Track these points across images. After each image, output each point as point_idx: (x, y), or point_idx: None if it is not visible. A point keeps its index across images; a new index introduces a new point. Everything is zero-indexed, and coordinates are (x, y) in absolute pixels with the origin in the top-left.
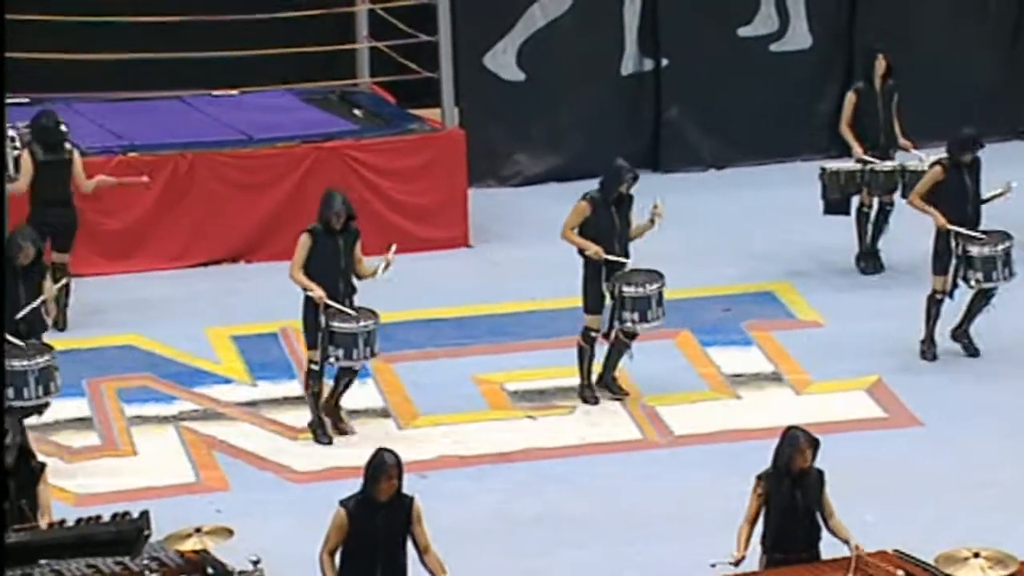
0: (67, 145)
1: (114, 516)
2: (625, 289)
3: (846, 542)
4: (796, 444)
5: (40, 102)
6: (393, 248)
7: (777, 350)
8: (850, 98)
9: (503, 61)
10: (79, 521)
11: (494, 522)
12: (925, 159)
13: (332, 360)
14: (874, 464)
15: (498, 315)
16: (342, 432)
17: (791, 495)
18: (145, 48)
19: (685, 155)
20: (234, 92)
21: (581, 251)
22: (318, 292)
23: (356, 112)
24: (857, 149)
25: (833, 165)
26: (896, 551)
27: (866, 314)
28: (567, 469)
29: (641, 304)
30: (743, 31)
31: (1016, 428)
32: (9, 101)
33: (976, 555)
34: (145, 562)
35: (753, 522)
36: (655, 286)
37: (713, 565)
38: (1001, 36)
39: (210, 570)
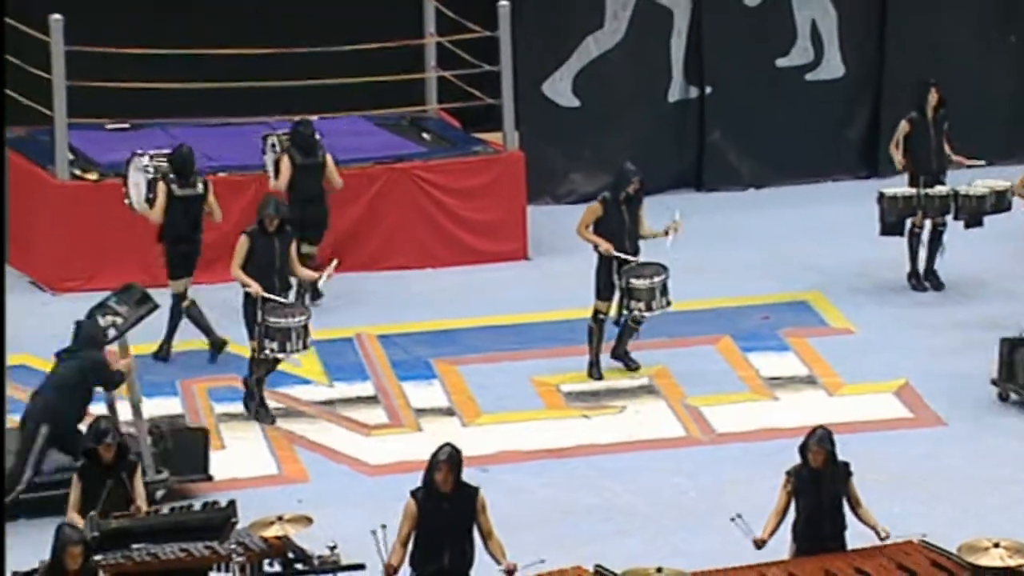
0: (321, 150)
1: (204, 505)
2: (633, 281)
3: (874, 528)
4: (807, 444)
5: (140, 127)
6: (335, 263)
7: (811, 355)
8: (903, 126)
9: (559, 89)
10: (173, 509)
11: (551, 512)
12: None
13: (267, 352)
14: (900, 460)
15: (554, 322)
16: None
17: (816, 490)
18: (234, 78)
19: (726, 175)
20: (314, 118)
21: (595, 246)
22: (255, 287)
23: (425, 136)
24: (899, 162)
25: (891, 191)
26: (922, 540)
27: (894, 323)
28: (618, 464)
29: (647, 294)
30: (781, 62)
31: None
32: (113, 126)
33: (996, 545)
34: (232, 546)
35: (781, 514)
36: (660, 278)
37: (733, 519)
38: (1021, 66)
39: (291, 555)
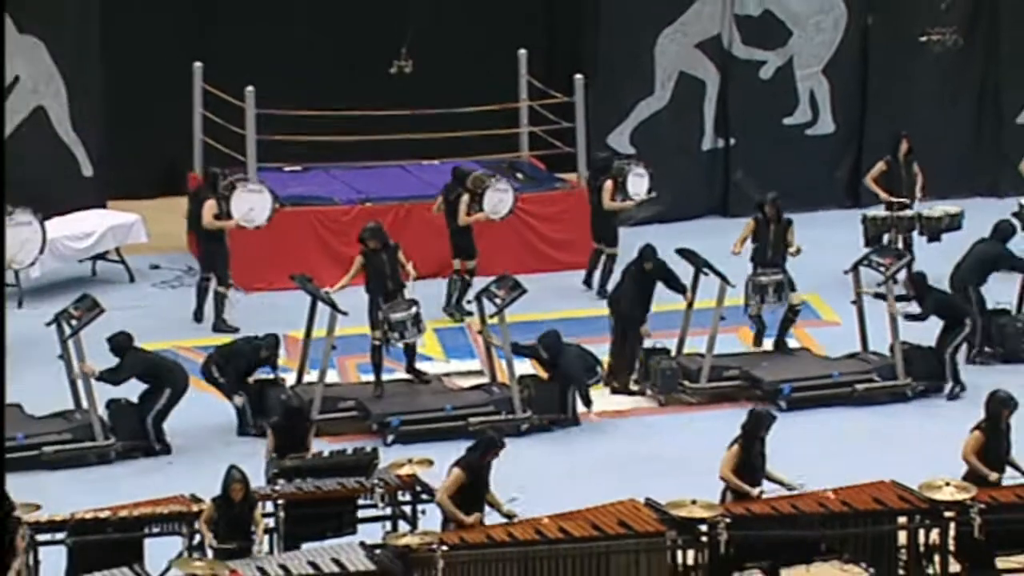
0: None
1: (355, 450)
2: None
3: (780, 483)
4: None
5: (308, 169)
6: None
7: (808, 340)
8: (880, 166)
9: (620, 140)
10: (332, 453)
11: (608, 460)
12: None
13: (393, 340)
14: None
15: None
16: None
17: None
18: (379, 132)
19: (747, 205)
20: (436, 162)
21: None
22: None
23: (519, 175)
24: (883, 195)
25: (871, 213)
26: (892, 480)
27: (870, 316)
28: (657, 422)
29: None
30: (787, 120)
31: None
32: (289, 168)
33: (948, 484)
34: (375, 481)
35: (735, 471)
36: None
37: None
38: (969, 123)
39: (417, 488)
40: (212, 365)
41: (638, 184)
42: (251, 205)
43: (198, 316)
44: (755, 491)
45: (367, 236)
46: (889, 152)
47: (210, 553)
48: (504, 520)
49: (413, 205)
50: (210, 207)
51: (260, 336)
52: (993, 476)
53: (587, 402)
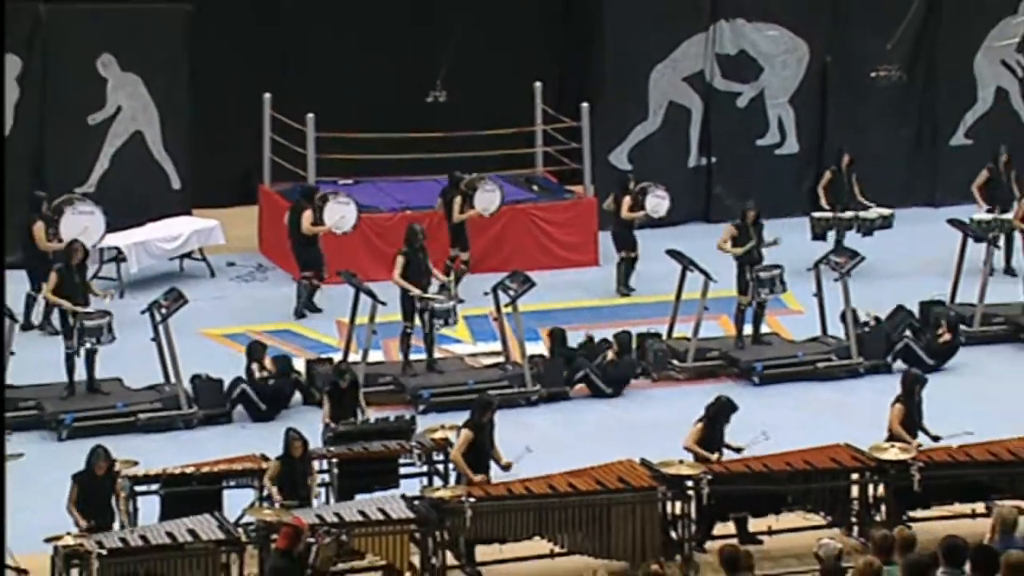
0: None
1: (397, 417)
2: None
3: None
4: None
5: (359, 182)
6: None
7: (776, 324)
8: (827, 175)
9: (620, 159)
10: (376, 420)
11: (608, 426)
12: (874, 209)
13: (436, 327)
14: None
15: (615, 305)
16: None
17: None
18: (416, 151)
19: (725, 213)
20: (467, 177)
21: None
22: (415, 290)
23: (534, 187)
24: (824, 203)
25: (817, 215)
26: (847, 444)
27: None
28: (648, 395)
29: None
30: (759, 142)
31: None
32: (343, 181)
33: (892, 445)
34: (412, 443)
35: (697, 443)
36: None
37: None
38: (910, 145)
39: (449, 449)
40: None
41: (658, 204)
42: (342, 214)
43: (301, 312)
44: (714, 456)
45: (419, 238)
46: (834, 164)
47: (276, 505)
48: (502, 470)
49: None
50: (308, 216)
51: None
52: (915, 442)
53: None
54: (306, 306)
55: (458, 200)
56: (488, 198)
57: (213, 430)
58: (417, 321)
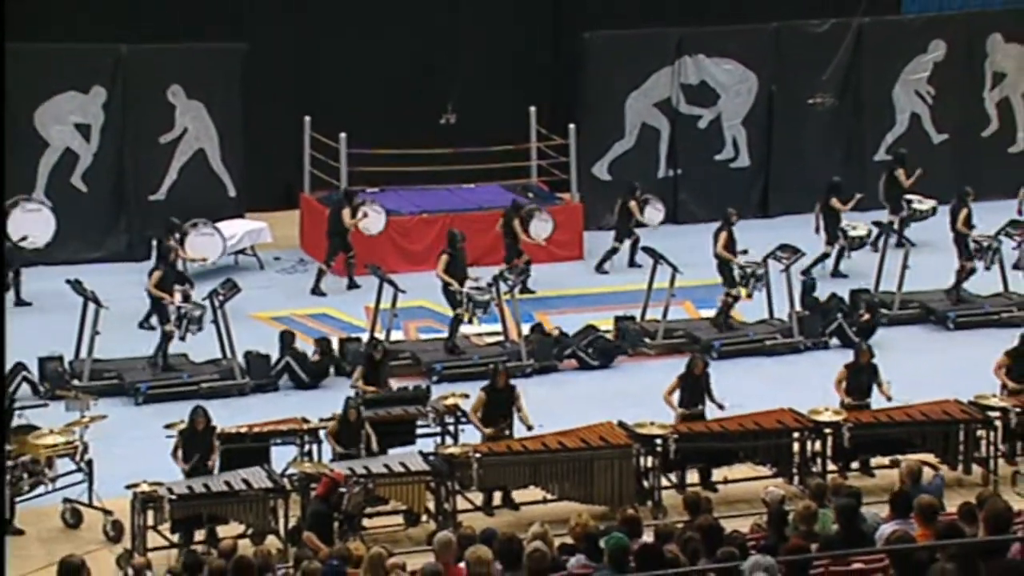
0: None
1: (415, 387)
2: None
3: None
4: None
5: (384, 190)
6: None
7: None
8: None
9: (601, 171)
10: (399, 388)
11: (591, 394)
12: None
13: (476, 316)
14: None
15: (595, 294)
16: None
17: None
18: (431, 164)
19: (691, 216)
20: (472, 186)
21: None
22: (456, 285)
23: (529, 195)
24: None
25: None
26: (790, 408)
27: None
28: (624, 368)
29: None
30: (717, 157)
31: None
32: (371, 189)
33: (827, 409)
34: (427, 408)
35: (670, 393)
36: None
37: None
38: (840, 160)
39: (458, 413)
40: None
41: (653, 215)
42: (373, 219)
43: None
44: (679, 411)
45: (460, 239)
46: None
47: (327, 458)
48: (528, 430)
49: (455, 216)
50: (347, 213)
51: None
52: (847, 400)
53: None
54: (313, 291)
55: (516, 222)
56: (542, 227)
57: (262, 397)
58: (459, 309)
